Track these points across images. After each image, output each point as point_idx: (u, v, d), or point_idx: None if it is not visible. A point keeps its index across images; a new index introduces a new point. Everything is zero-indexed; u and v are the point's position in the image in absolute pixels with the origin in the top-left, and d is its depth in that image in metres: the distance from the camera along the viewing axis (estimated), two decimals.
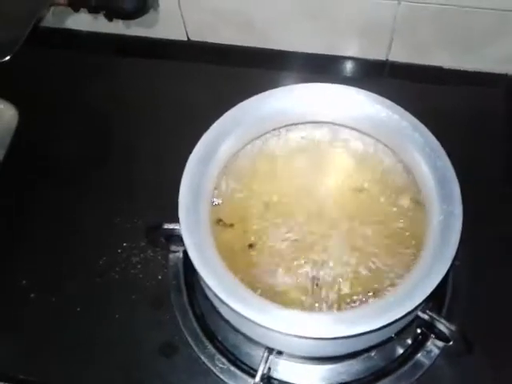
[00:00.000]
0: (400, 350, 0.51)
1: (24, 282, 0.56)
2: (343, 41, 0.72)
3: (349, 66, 0.74)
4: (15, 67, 0.54)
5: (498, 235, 0.56)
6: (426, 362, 0.49)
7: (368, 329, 0.35)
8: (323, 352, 0.43)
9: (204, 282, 0.38)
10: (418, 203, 0.43)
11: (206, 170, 0.42)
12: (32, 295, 0.55)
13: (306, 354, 0.45)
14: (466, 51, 0.69)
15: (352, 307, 0.39)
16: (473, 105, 0.67)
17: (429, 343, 0.50)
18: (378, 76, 0.74)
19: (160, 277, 0.55)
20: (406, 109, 0.48)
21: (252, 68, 0.72)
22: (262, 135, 0.46)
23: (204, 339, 0.51)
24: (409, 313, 0.36)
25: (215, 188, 0.44)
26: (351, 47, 0.72)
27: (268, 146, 0.47)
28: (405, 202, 0.44)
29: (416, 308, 0.36)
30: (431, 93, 0.69)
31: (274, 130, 0.47)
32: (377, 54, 0.72)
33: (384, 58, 0.72)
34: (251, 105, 0.44)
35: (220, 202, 0.45)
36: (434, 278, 0.36)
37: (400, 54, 0.71)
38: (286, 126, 0.47)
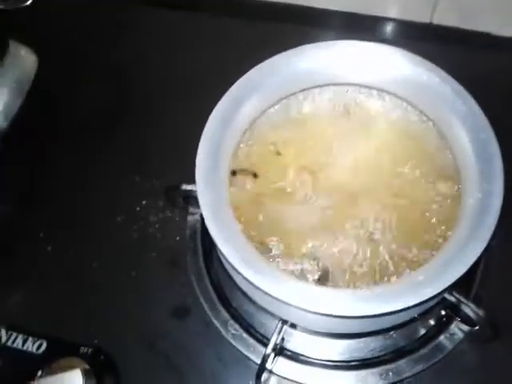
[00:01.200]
0: (421, 331, 0.48)
1: (41, 234, 0.56)
2: (386, 0, 0.67)
3: (389, 28, 0.69)
4: (36, 14, 0.52)
5: None
6: (449, 344, 0.47)
7: (389, 309, 0.33)
8: (340, 329, 0.41)
9: (220, 251, 0.36)
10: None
11: (227, 132, 0.40)
12: (49, 248, 0.55)
13: (322, 330, 0.43)
14: None
15: (376, 285, 0.37)
16: None
17: (453, 326, 0.47)
18: (419, 39, 0.69)
19: (178, 238, 0.54)
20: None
21: (284, 24, 0.68)
22: (287, 96, 0.43)
23: (218, 304, 0.50)
24: (436, 295, 0.33)
25: (236, 151, 0.42)
26: (393, 7, 0.68)
27: (294, 108, 0.44)
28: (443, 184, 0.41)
29: (444, 290, 0.34)
30: (476, 60, 0.64)
31: (301, 91, 0.43)
32: (420, 15, 0.68)
33: (428, 21, 0.68)
34: (276, 63, 0.41)
35: (241, 164, 0.43)
36: (466, 260, 0.33)
37: (445, 17, 0.66)
38: (313, 87, 0.44)
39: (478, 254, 0.34)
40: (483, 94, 0.57)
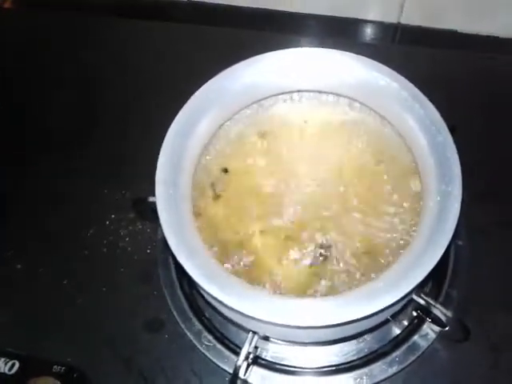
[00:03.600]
0: (394, 333, 0.48)
1: (10, 252, 0.55)
2: (353, 1, 0.68)
3: (358, 29, 0.70)
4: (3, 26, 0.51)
5: (504, 216, 0.52)
6: (421, 345, 0.47)
7: (353, 317, 0.33)
8: (311, 339, 0.41)
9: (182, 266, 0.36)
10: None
11: (187, 145, 0.39)
12: (18, 266, 0.54)
13: (293, 340, 0.42)
14: (481, 14, 0.64)
15: (339, 293, 0.37)
16: (487, 72, 0.63)
17: (425, 326, 0.47)
18: (388, 40, 0.70)
19: (148, 250, 0.54)
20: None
21: (254, 30, 0.68)
22: (247, 106, 0.43)
23: (191, 316, 0.50)
24: (397, 301, 0.33)
25: (199, 163, 0.41)
26: (361, 8, 0.68)
27: (254, 117, 0.44)
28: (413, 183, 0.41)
29: (404, 297, 0.34)
30: (444, 58, 0.65)
31: (259, 100, 0.43)
32: (388, 16, 0.68)
33: (396, 21, 0.68)
34: (232, 74, 0.41)
35: (205, 176, 0.42)
36: (427, 264, 0.33)
37: (412, 17, 0.67)
38: (272, 96, 0.43)
39: (437, 259, 0.34)
40: (449, 92, 0.58)
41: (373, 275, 0.37)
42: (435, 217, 0.35)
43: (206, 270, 0.35)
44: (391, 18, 0.69)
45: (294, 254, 0.39)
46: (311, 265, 0.39)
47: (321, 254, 0.40)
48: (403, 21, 0.68)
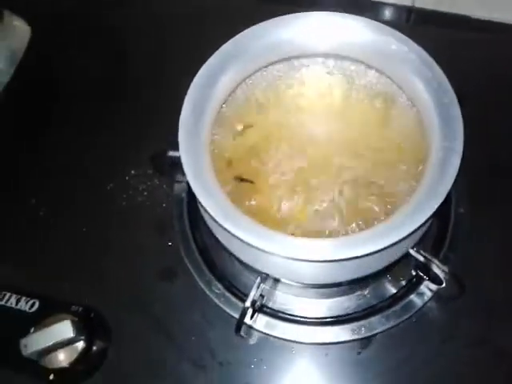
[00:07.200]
0: (392, 291, 0.51)
1: (33, 200, 0.58)
2: None
3: (373, 11, 0.71)
4: None
5: (508, 188, 0.55)
6: (418, 303, 0.50)
7: (356, 254, 0.36)
8: (312, 279, 0.43)
9: (201, 206, 0.39)
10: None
11: (210, 95, 0.42)
12: (41, 213, 0.57)
13: (298, 279, 0.45)
14: (495, 1, 0.66)
15: (345, 235, 0.40)
16: (498, 58, 0.65)
17: (422, 286, 0.50)
18: (402, 22, 0.71)
19: (164, 205, 0.56)
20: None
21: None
22: (266, 66, 0.46)
23: (203, 266, 0.53)
24: (396, 242, 0.36)
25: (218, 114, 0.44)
26: None
27: (271, 77, 0.47)
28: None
29: (406, 237, 0.36)
30: (456, 43, 0.66)
31: (278, 61, 0.46)
32: None
33: (410, 4, 0.70)
34: (255, 33, 0.44)
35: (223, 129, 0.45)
36: (425, 212, 0.36)
37: (426, 0, 0.69)
38: (290, 57, 0.46)
39: (436, 206, 0.36)
40: (459, 75, 0.60)
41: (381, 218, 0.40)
42: (437, 170, 0.38)
43: (223, 209, 0.38)
44: (405, 1, 0.70)
45: (298, 198, 0.42)
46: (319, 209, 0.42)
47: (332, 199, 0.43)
48: (417, 4, 0.70)
